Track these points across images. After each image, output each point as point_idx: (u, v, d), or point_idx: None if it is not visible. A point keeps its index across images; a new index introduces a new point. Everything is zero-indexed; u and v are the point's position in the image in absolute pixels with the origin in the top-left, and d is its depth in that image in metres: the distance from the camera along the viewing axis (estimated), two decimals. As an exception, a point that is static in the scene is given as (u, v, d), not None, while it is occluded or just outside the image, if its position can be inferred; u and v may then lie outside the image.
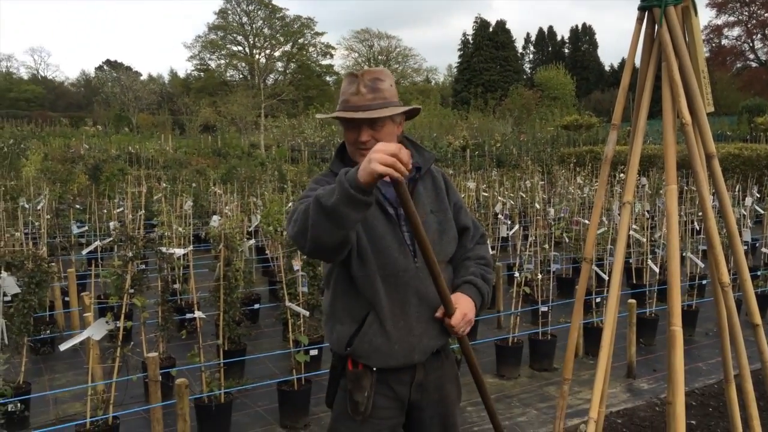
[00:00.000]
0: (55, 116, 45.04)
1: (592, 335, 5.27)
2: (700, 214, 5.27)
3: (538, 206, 9.02)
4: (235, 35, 57.84)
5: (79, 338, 3.62)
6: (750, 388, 2.11)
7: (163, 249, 5.41)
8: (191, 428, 3.59)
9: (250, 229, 8.43)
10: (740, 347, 2.11)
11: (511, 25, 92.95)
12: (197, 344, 4.06)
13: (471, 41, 60.70)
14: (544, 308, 5.22)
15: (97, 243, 6.67)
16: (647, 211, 8.67)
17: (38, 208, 8.83)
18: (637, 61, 2.20)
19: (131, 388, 4.28)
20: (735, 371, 2.20)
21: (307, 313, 4.38)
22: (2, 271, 4.46)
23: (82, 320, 4.49)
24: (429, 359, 2.06)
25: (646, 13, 2.11)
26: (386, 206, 2.01)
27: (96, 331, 3.54)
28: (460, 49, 62.33)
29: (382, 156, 1.59)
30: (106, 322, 3.57)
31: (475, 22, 60.69)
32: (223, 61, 59.83)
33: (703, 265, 6.30)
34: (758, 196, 11.58)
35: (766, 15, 45.89)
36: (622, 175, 11.16)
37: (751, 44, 48.31)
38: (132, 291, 4.32)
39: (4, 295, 4.35)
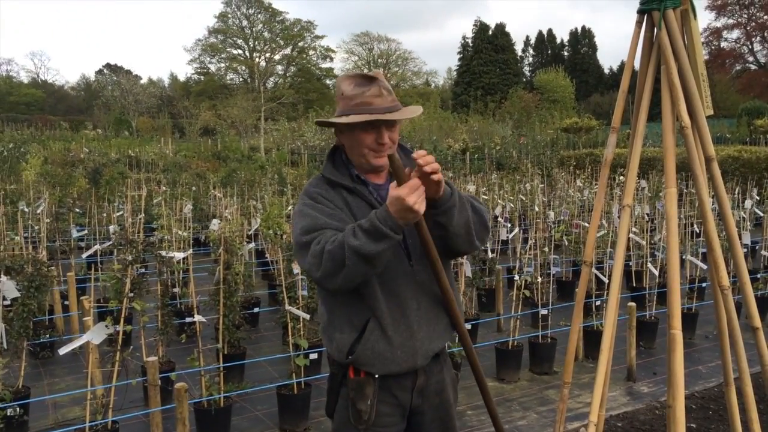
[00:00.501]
0: (55, 120, 45.08)
1: (592, 338, 5.26)
2: (699, 217, 5.29)
3: (537, 209, 9.01)
4: (235, 39, 58.00)
5: (79, 342, 3.62)
6: (750, 391, 2.11)
7: (163, 253, 5.40)
8: (191, 432, 3.59)
9: (249, 233, 8.44)
10: (740, 350, 2.11)
11: (511, 28, 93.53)
12: (197, 348, 4.06)
13: (471, 44, 60.77)
14: (544, 311, 5.22)
15: (97, 247, 6.66)
16: (647, 214, 8.67)
17: (38, 211, 8.85)
18: (637, 64, 2.21)
19: (131, 393, 4.27)
20: (735, 374, 2.20)
21: (308, 317, 4.37)
22: (2, 275, 4.45)
23: (82, 324, 4.50)
24: (429, 364, 2.06)
25: (646, 16, 2.11)
26: None
27: (95, 335, 3.53)
28: (459, 52, 62.42)
29: (417, 197, 1.72)
30: (106, 326, 3.56)
31: (475, 25, 60.84)
32: (223, 65, 60.16)
33: (705, 267, 6.29)
34: (758, 198, 11.57)
35: (765, 17, 45.94)
36: (621, 178, 11.16)
37: (750, 47, 48.37)
38: (131, 295, 4.32)
39: (4, 298, 4.35)
